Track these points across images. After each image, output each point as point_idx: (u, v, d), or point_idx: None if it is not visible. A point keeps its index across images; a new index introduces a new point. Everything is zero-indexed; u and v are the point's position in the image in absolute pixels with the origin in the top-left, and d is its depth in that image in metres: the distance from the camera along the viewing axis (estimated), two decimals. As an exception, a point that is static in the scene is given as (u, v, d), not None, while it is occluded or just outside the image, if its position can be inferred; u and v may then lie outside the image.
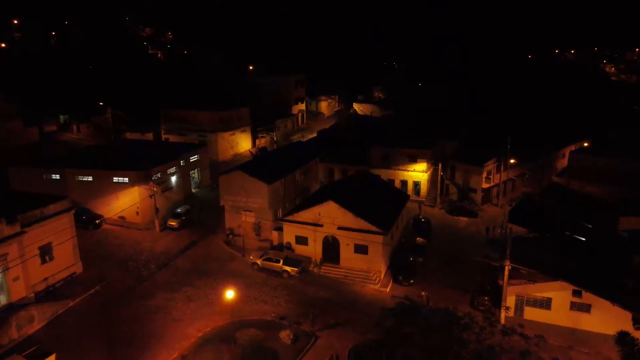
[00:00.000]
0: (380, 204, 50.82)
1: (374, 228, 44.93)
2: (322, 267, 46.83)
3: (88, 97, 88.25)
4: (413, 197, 64.88)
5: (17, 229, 36.81)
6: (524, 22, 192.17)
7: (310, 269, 46.43)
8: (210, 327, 37.56)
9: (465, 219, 61.99)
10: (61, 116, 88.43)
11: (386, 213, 48.91)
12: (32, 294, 38.43)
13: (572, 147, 76.63)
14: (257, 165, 53.59)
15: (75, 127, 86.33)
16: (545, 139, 77.54)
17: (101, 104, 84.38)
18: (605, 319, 38.05)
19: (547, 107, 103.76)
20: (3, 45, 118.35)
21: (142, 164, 53.16)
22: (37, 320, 36.52)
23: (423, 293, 41.52)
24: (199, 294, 42.27)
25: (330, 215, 46.10)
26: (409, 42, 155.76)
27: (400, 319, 29.70)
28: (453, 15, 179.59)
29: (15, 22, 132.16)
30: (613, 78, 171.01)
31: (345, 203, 46.23)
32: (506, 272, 38.78)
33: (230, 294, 35.10)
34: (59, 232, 40.95)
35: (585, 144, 76.76)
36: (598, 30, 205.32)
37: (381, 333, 29.67)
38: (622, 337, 28.09)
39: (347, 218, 45.71)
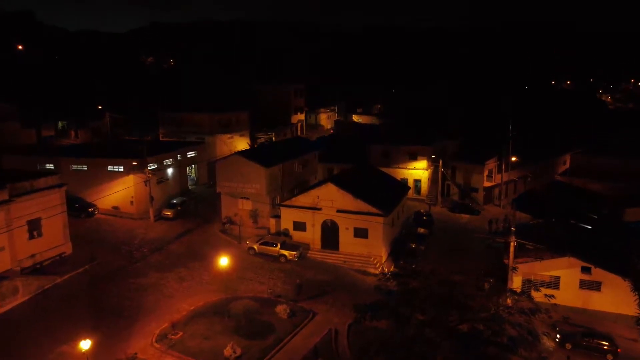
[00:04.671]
0: (380, 191, 49.71)
1: (374, 209, 43.69)
2: (320, 253, 45.29)
3: (88, 103, 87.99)
4: (414, 195, 63.84)
5: (5, 196, 35.57)
6: (518, 57, 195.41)
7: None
8: (203, 302, 35.87)
9: (467, 216, 60.71)
10: (60, 122, 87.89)
11: (387, 198, 47.73)
12: (18, 268, 36.81)
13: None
14: (255, 152, 52.70)
15: (72, 133, 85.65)
16: (546, 147, 77.08)
17: (100, 107, 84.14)
18: (616, 297, 36.55)
19: (546, 123, 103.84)
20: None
21: (138, 153, 52.24)
22: (21, 292, 34.80)
23: None
24: (193, 275, 40.67)
25: (329, 198, 44.91)
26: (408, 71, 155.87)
27: (403, 280, 28.18)
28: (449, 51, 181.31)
29: (20, 47, 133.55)
30: (610, 107, 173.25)
31: (345, 185, 45.14)
32: (512, 248, 37.29)
33: (224, 261, 33.55)
34: (48, 208, 39.60)
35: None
36: (594, 63, 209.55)
37: (382, 294, 28.02)
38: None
39: (347, 200, 44.50)
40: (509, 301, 29.23)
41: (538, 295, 27.72)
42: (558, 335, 34.45)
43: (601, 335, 34.36)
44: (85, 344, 23.02)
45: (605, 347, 33.62)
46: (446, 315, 25.29)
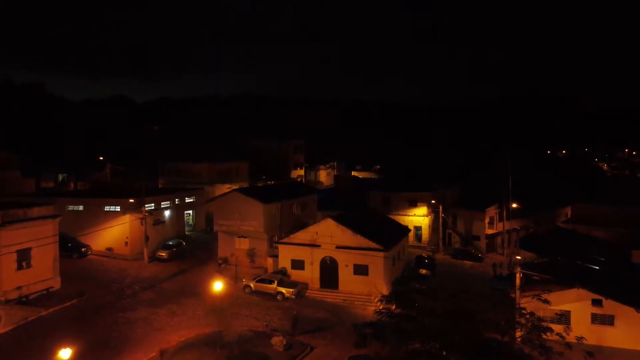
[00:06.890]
0: (380, 229, 48.77)
1: (374, 245, 42.61)
2: (319, 292, 43.55)
3: (89, 156, 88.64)
4: (415, 243, 62.70)
5: (-4, 222, 34.78)
6: (514, 127, 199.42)
7: None
8: (194, 334, 33.93)
9: (470, 262, 59.19)
10: (60, 175, 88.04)
11: (387, 236, 46.73)
12: (3, 299, 35.20)
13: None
14: (253, 190, 52.33)
15: (72, 185, 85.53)
16: (547, 200, 76.73)
17: (101, 158, 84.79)
18: (631, 332, 34.56)
19: (546, 182, 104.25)
20: None
21: (135, 193, 51.88)
22: (3, 322, 33.07)
23: None
24: (185, 310, 38.84)
25: (328, 234, 43.92)
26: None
27: (405, 300, 26.86)
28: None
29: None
30: (608, 174, 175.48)
31: (344, 222, 44.34)
32: (517, 279, 35.85)
33: (218, 285, 32.08)
34: (40, 239, 38.56)
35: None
36: (589, 133, 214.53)
37: (382, 316, 26.55)
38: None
39: (346, 236, 43.52)
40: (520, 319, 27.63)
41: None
42: None
43: None
44: (65, 353, 21.35)
45: None
46: (452, 330, 23.82)
